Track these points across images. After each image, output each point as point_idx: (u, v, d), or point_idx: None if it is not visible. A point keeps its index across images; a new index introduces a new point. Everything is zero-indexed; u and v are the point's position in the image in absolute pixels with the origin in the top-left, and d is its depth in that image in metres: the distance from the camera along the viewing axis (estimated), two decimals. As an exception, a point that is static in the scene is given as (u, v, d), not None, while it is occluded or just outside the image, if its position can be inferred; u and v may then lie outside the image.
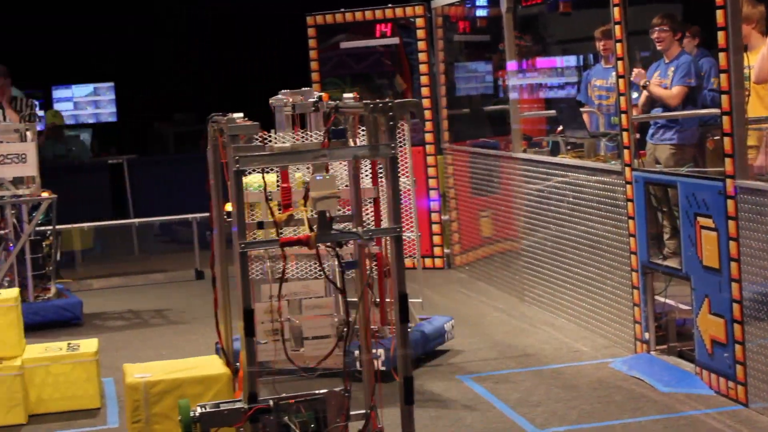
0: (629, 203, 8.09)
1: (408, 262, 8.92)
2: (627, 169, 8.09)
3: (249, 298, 5.09)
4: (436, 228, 12.21)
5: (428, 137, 12.19)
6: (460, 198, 12.00)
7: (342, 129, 5.62)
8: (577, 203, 9.00)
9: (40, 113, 17.57)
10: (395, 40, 12.61)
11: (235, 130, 5.25)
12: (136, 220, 13.97)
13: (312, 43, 12.61)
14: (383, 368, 7.53)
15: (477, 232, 11.56)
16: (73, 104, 19.89)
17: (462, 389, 7.66)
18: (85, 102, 20.02)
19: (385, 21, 12.39)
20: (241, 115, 5.47)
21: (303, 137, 7.15)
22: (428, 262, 12.27)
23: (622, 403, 7.13)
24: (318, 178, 5.10)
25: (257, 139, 5.45)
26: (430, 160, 12.18)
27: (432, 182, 12.18)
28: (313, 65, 12.63)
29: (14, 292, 7.78)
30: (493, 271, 11.05)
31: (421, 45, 12.11)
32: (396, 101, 5.35)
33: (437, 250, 12.25)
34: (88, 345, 7.66)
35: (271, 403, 5.22)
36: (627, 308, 8.23)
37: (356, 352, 7.88)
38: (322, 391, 5.41)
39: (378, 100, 5.37)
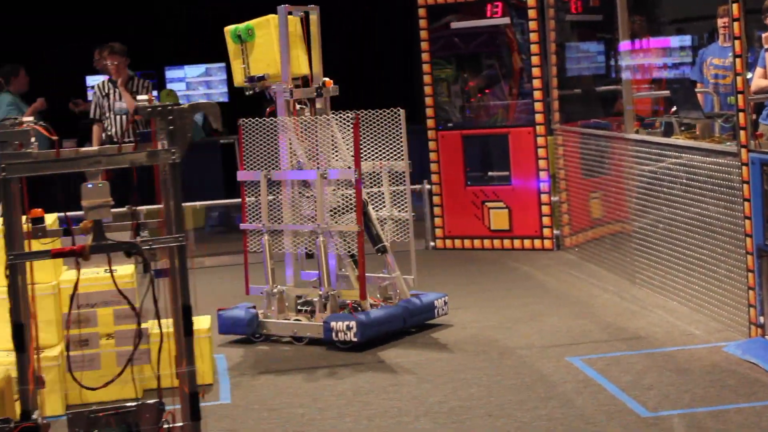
0: (745, 185, 7.95)
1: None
2: (743, 150, 7.94)
3: (19, 312, 4.90)
4: (545, 209, 12.15)
5: (538, 118, 12.13)
6: (570, 179, 11.91)
7: (148, 132, 5.17)
8: (690, 185, 8.88)
9: (154, 93, 17.86)
10: (505, 20, 12.56)
11: (3, 137, 4.88)
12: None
13: (422, 23, 12.63)
14: (355, 339, 8.40)
15: (587, 213, 11.47)
16: (185, 84, 20.14)
17: (572, 371, 7.62)
18: (197, 82, 20.25)
19: (495, 0, 12.35)
20: (31, 119, 5.05)
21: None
22: (537, 243, 12.22)
23: (736, 388, 7.03)
24: (89, 186, 4.81)
25: (33, 145, 4.96)
26: (540, 140, 12.12)
27: (542, 163, 12.12)
28: (423, 45, 12.65)
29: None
30: (604, 253, 10.96)
31: (532, 25, 12.04)
32: (190, 104, 5.02)
33: (546, 231, 12.19)
34: (202, 322, 7.71)
35: (40, 420, 4.97)
36: (741, 292, 8.10)
37: (333, 323, 8.43)
38: (134, 404, 5.19)
39: (159, 104, 4.98)
